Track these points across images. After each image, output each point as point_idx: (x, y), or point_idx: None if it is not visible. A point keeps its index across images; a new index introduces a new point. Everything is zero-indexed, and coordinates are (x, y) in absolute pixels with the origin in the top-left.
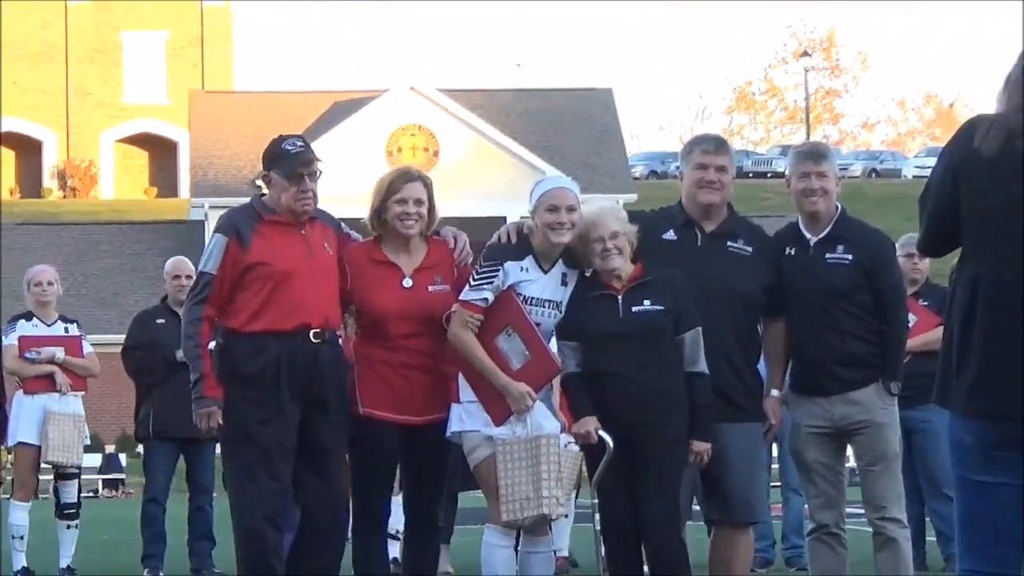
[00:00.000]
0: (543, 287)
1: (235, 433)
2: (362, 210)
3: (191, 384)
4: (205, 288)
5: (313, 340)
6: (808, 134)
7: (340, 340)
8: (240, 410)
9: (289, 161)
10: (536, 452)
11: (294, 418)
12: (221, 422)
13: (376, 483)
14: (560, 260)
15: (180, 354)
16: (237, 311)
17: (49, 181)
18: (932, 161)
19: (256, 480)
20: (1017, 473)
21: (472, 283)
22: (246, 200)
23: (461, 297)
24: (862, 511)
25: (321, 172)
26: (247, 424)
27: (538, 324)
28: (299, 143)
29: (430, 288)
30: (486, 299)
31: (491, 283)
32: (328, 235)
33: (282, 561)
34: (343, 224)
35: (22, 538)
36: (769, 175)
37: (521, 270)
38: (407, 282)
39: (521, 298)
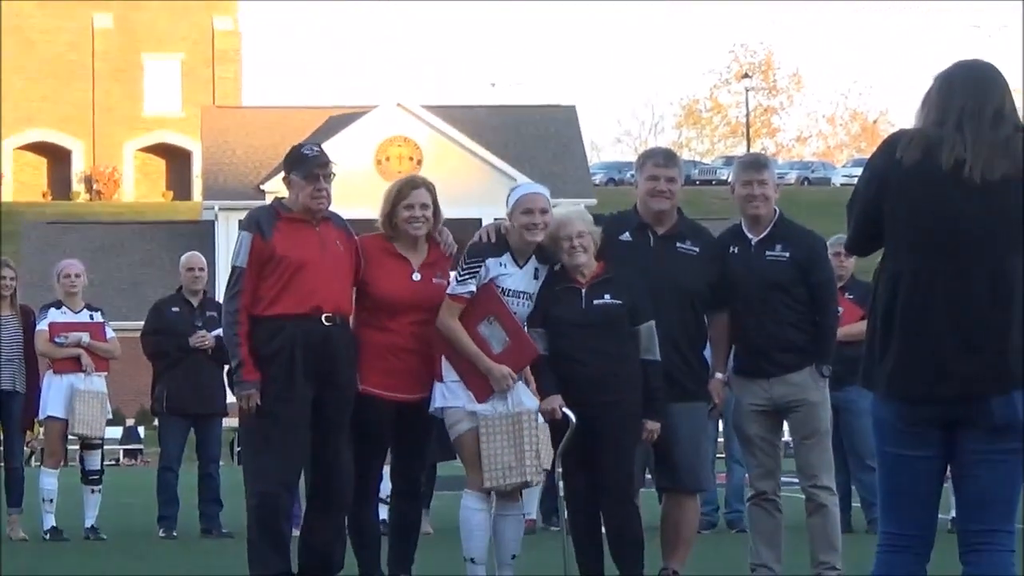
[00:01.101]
0: (518, 280)
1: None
2: (354, 212)
3: (232, 369)
4: (239, 281)
5: (325, 323)
6: (748, 147)
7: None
8: (259, 385)
9: (307, 163)
10: (518, 426)
11: (307, 393)
12: (259, 403)
13: (372, 454)
14: (533, 256)
15: (192, 339)
16: (259, 298)
17: (77, 185)
18: (858, 171)
19: (272, 449)
20: (931, 447)
21: (458, 278)
22: (251, 202)
23: (449, 291)
24: (796, 480)
25: (335, 175)
26: (265, 398)
27: (514, 313)
28: (315, 148)
29: (433, 281)
30: (471, 292)
31: (475, 277)
32: (340, 235)
33: (291, 526)
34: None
35: (51, 501)
36: (714, 182)
37: (500, 265)
38: (416, 276)
39: (500, 290)
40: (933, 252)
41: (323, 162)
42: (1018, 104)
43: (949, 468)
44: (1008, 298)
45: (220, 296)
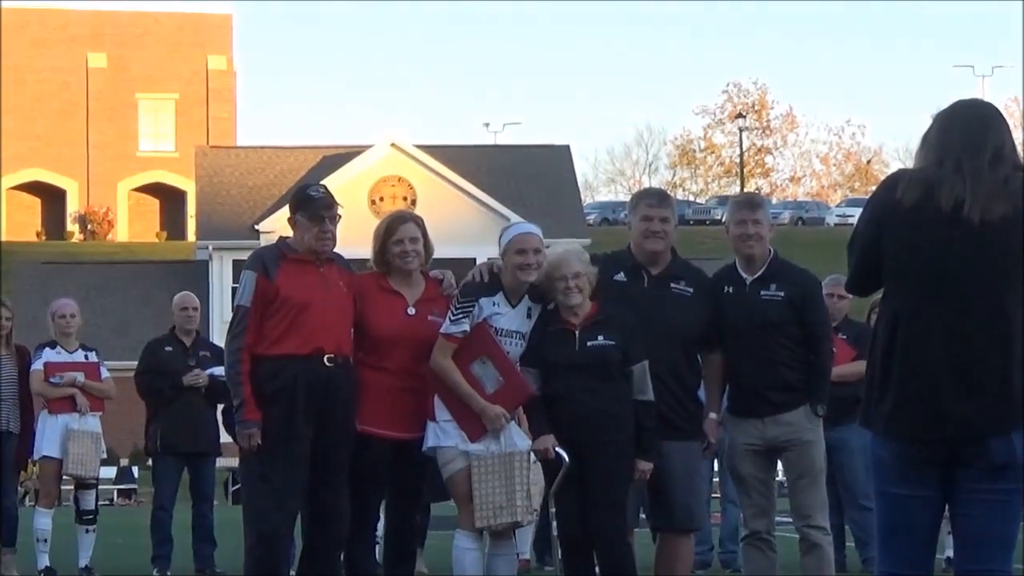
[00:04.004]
0: (511, 320)
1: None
2: (349, 252)
3: (234, 408)
4: (243, 320)
5: (327, 364)
6: (742, 186)
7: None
8: (260, 425)
9: (313, 205)
10: (510, 466)
11: (307, 433)
12: (260, 442)
13: (369, 493)
14: (526, 295)
15: (186, 379)
16: (262, 338)
17: (71, 225)
18: (852, 211)
19: (272, 488)
20: (929, 487)
21: (452, 317)
22: (245, 242)
23: (442, 330)
24: (790, 519)
25: (340, 216)
26: (266, 437)
27: (507, 352)
28: (321, 190)
29: (429, 318)
30: (465, 331)
31: (468, 317)
32: (344, 276)
33: (288, 566)
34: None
35: (46, 540)
36: (708, 222)
37: (493, 304)
38: (411, 310)
39: (493, 330)
40: (932, 292)
41: (329, 204)
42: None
43: (947, 507)
44: (1007, 338)
45: (213, 336)
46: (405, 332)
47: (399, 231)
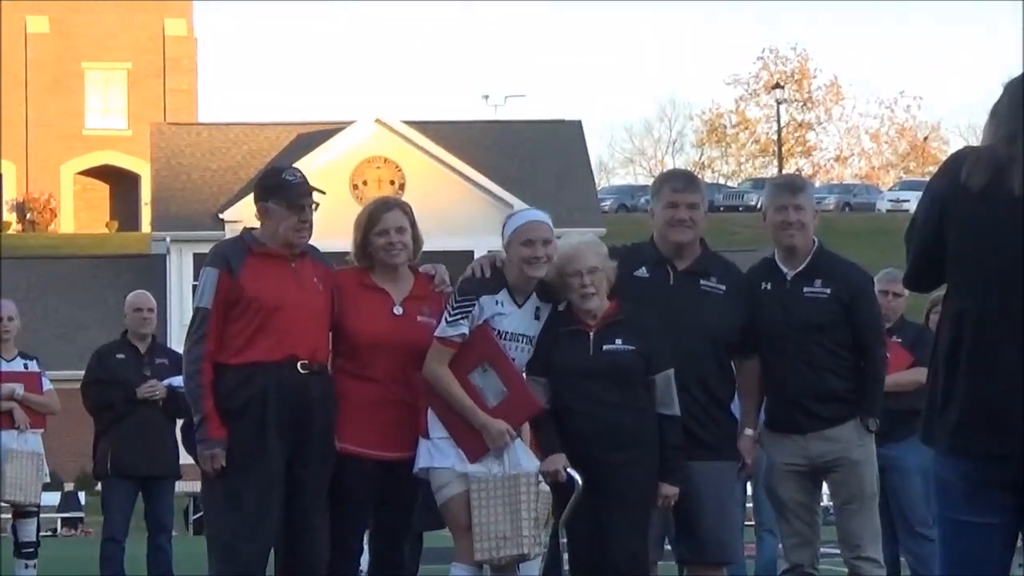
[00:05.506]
0: (517, 321)
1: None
2: (325, 244)
3: (195, 425)
4: (203, 323)
5: (300, 371)
6: (780, 167)
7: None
8: (225, 444)
9: (290, 191)
10: (515, 490)
11: (281, 451)
12: (224, 464)
13: (351, 522)
14: (534, 293)
15: (140, 390)
16: (225, 344)
17: (7, 214)
18: (907, 195)
19: (240, 517)
20: (1000, 512)
21: (448, 318)
22: (208, 233)
23: (437, 333)
24: (838, 551)
25: (318, 204)
26: (233, 457)
27: (512, 359)
28: (298, 174)
29: (419, 318)
30: (463, 334)
31: (467, 318)
32: (319, 271)
33: None
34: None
35: None
36: (741, 209)
37: (496, 304)
38: (397, 310)
39: (495, 332)
40: (1002, 289)
41: (308, 190)
42: None
43: (1020, 537)
44: None
45: (172, 341)
46: (391, 335)
47: (383, 220)
